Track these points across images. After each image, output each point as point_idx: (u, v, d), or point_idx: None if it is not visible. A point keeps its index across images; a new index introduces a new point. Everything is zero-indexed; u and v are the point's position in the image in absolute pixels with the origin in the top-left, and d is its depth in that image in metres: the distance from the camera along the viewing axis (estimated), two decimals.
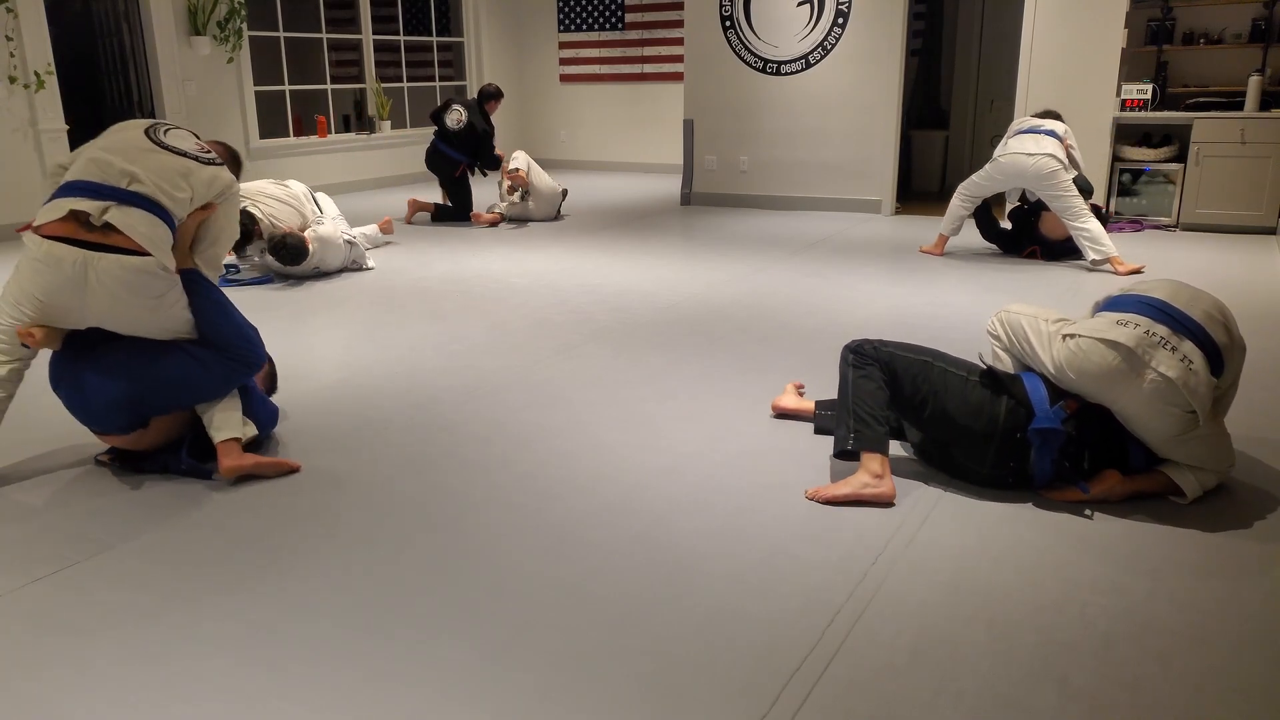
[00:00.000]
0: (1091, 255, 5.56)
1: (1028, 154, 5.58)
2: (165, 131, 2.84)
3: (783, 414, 3.30)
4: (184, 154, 2.79)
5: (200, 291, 2.82)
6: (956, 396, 2.64)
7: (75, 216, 2.55)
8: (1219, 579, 2.26)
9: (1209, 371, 2.51)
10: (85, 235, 2.55)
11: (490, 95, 7.76)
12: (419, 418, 3.34)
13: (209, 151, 2.91)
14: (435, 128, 7.67)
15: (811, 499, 2.66)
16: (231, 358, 2.85)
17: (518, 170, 7.48)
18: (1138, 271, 5.47)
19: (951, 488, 2.74)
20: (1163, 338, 2.51)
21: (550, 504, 2.67)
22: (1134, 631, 2.04)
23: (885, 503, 2.61)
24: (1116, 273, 5.47)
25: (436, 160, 7.64)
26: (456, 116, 7.55)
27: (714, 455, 3.00)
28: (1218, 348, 2.55)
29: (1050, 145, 5.59)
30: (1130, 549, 2.39)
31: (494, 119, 7.85)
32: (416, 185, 10.05)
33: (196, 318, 2.81)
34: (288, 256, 5.40)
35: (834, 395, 3.22)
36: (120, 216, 2.56)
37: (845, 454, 2.70)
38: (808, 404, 3.28)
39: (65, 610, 2.14)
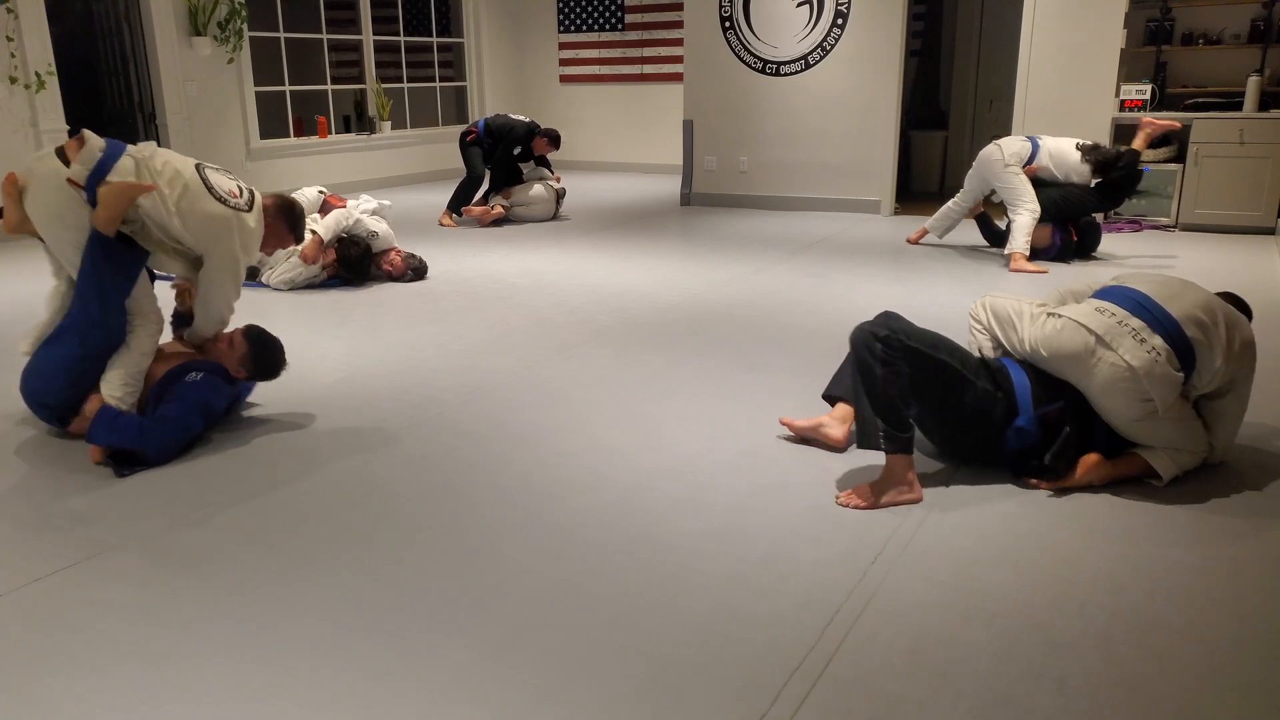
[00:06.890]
0: (1007, 247, 5.77)
1: (986, 149, 5.99)
2: (208, 169, 3.16)
3: (803, 437, 3.09)
4: (209, 189, 3.08)
5: (89, 247, 2.96)
6: (966, 405, 2.69)
7: (77, 133, 3.03)
8: (1218, 578, 2.26)
9: (1176, 368, 2.61)
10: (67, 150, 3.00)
11: (553, 140, 7.71)
12: (419, 418, 3.35)
13: (236, 197, 3.15)
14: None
15: (844, 505, 2.63)
16: (85, 320, 2.98)
17: (496, 206, 7.50)
18: (1038, 272, 5.59)
19: (951, 487, 2.74)
20: (1134, 329, 2.63)
21: (550, 504, 2.67)
22: (1133, 630, 2.04)
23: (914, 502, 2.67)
24: (1008, 267, 5.69)
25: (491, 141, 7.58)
26: (529, 126, 7.58)
27: (714, 455, 3.00)
28: (1190, 345, 2.63)
29: (1011, 144, 5.87)
30: (1129, 547, 2.40)
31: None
32: (417, 186, 10.05)
33: (82, 265, 2.98)
34: (420, 270, 5.65)
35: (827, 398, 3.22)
36: (87, 145, 2.96)
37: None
38: (817, 420, 3.08)
39: (65, 610, 2.15)
